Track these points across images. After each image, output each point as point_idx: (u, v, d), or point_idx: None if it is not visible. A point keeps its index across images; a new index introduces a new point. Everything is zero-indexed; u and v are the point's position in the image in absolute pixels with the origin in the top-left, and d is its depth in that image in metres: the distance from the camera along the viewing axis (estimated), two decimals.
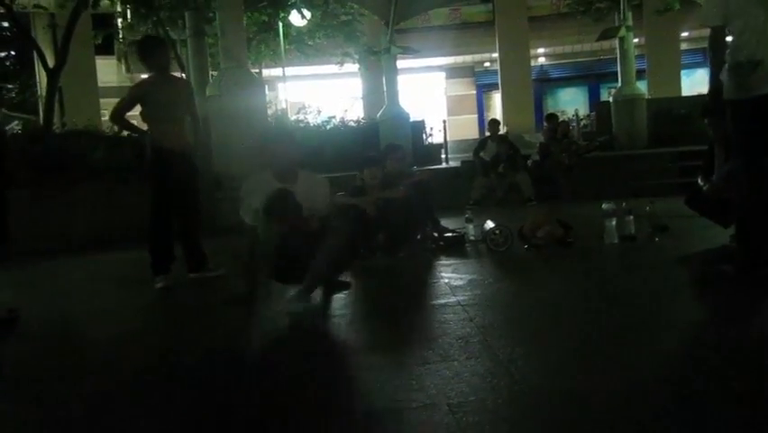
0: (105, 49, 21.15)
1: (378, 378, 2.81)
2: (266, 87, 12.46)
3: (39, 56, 11.88)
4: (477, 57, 27.72)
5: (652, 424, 2.21)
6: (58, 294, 5.50)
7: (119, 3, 15.48)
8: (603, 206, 5.80)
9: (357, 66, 19.16)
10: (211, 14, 12.97)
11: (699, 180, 5.37)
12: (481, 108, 28.76)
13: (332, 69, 20.11)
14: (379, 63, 14.88)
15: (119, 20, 18.70)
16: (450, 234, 6.29)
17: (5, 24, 25.80)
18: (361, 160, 6.29)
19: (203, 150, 5.97)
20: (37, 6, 14.95)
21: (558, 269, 5.15)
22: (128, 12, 16.44)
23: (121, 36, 18.68)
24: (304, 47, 17.66)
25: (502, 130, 11.61)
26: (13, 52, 26.15)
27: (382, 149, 7.61)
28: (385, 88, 13.55)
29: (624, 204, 5.87)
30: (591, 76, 27.83)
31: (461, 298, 4.12)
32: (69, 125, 12.85)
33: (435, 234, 6.31)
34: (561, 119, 12.14)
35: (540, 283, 4.72)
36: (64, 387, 3.02)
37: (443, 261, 5.56)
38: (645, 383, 2.56)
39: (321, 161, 11.31)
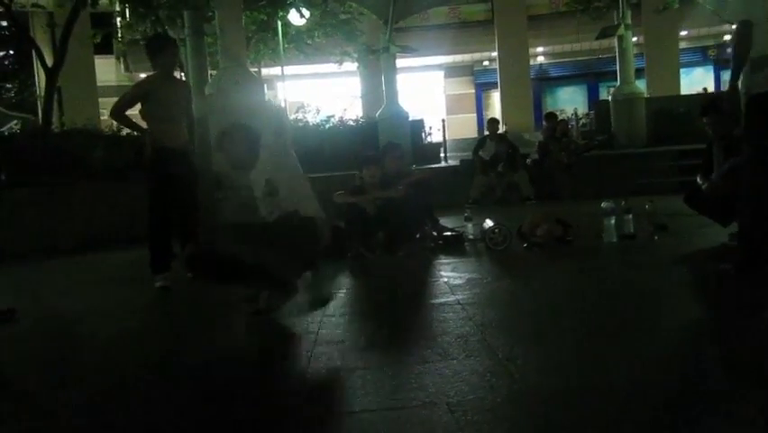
0: (104, 48, 21.13)
1: (377, 376, 2.81)
2: (265, 85, 12.46)
3: (37, 55, 11.88)
4: (476, 56, 27.75)
5: (651, 423, 2.21)
6: (57, 293, 5.49)
7: (118, 2, 15.47)
8: (602, 204, 5.81)
9: (356, 65, 19.16)
10: (210, 13, 12.96)
11: (698, 179, 5.38)
12: (480, 107, 28.80)
13: (331, 68, 20.12)
14: (377, 62, 14.88)
15: (118, 19, 18.72)
16: (449, 233, 6.30)
17: (4, 24, 25.83)
18: (360, 159, 6.30)
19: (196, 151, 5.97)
20: (35, 5, 14.95)
21: (557, 267, 5.16)
22: (127, 11, 16.45)
23: (119, 35, 18.65)
24: (303, 46, 17.65)
25: (501, 129, 11.61)
26: (11, 52, 26.15)
27: (381, 148, 7.61)
28: (384, 87, 13.54)
29: (623, 202, 5.87)
30: (590, 74, 27.88)
31: (461, 296, 4.13)
32: (68, 125, 12.84)
33: (435, 233, 6.32)
34: (560, 118, 12.15)
35: (539, 282, 4.72)
36: (60, 387, 3.02)
37: (443, 259, 5.56)
38: (644, 382, 2.56)
39: (320, 159, 11.33)
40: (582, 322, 3.50)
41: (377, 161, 6.23)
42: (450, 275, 4.85)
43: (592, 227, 5.91)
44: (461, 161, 11.91)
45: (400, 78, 14.01)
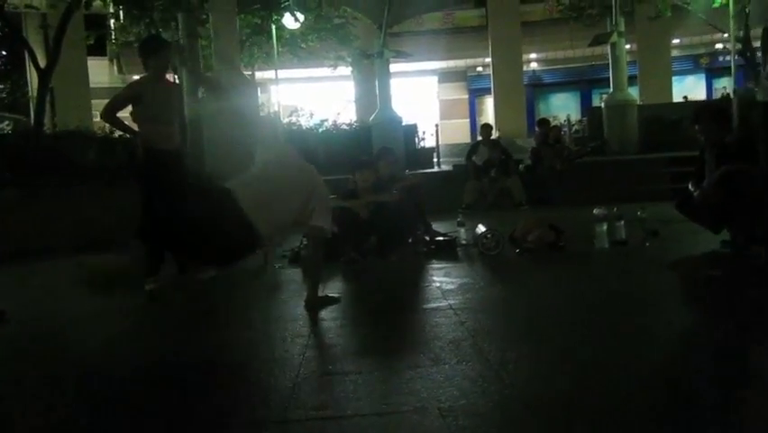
0: (98, 49, 21.09)
1: (368, 381, 2.81)
2: (258, 89, 12.46)
3: (30, 56, 11.82)
4: (469, 61, 27.81)
5: (641, 427, 2.22)
6: (47, 296, 5.46)
7: (112, 4, 15.43)
8: (594, 210, 5.82)
9: (350, 69, 19.18)
10: (204, 16, 12.95)
11: (690, 186, 5.39)
12: (473, 113, 28.85)
13: (324, 72, 20.12)
14: (371, 67, 14.90)
15: (111, 21, 18.67)
16: (441, 238, 6.29)
17: None
18: (353, 163, 6.30)
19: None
20: (29, 6, 14.91)
21: (549, 273, 5.16)
22: (121, 13, 16.40)
23: (113, 37, 18.62)
24: (297, 50, 17.67)
25: (494, 134, 11.63)
26: (3, 52, 26.04)
27: (375, 152, 7.62)
28: (377, 92, 13.56)
29: (615, 209, 5.89)
30: (583, 81, 27.99)
31: (453, 301, 4.12)
32: (61, 126, 12.80)
33: (427, 238, 6.31)
34: (552, 124, 12.19)
35: (531, 287, 4.73)
36: (48, 391, 3.00)
37: (435, 264, 5.56)
38: (635, 387, 2.57)
39: (313, 163, 11.30)
40: (574, 327, 3.50)
41: (370, 165, 6.24)
42: (442, 280, 4.85)
43: (584, 233, 5.92)
44: (454, 166, 11.93)
45: (394, 83, 14.02)
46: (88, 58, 21.38)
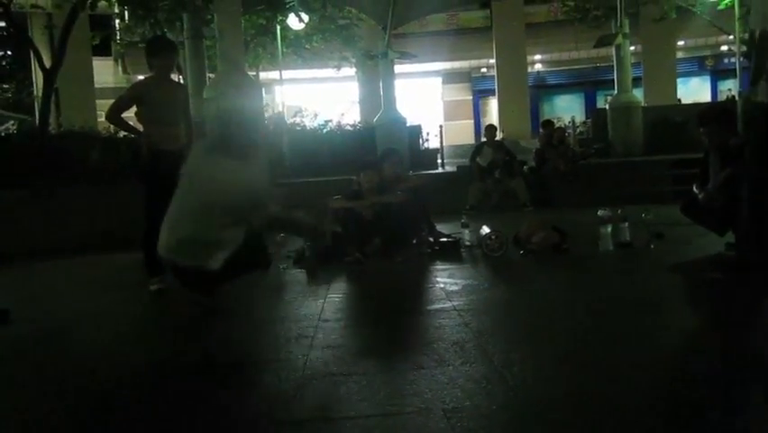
0: (103, 50, 21.13)
1: (373, 382, 2.81)
2: (263, 89, 12.48)
3: (36, 56, 11.84)
4: (474, 63, 27.83)
5: (646, 430, 2.22)
6: (51, 295, 5.48)
7: (117, 4, 15.47)
8: (599, 212, 5.81)
9: (354, 70, 19.20)
10: (209, 17, 12.99)
11: (695, 188, 5.38)
12: (478, 114, 28.85)
13: (329, 72, 20.16)
14: (376, 68, 14.91)
15: (116, 21, 18.73)
16: (446, 239, 6.29)
17: (2, 24, 25.80)
18: (357, 164, 6.30)
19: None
20: (35, 6, 14.94)
21: (553, 275, 5.15)
22: (126, 13, 16.44)
23: (118, 37, 18.67)
24: (301, 50, 17.69)
25: (498, 136, 11.62)
26: (9, 52, 26.13)
27: (380, 153, 7.62)
28: (382, 93, 13.56)
29: (619, 210, 5.88)
30: (588, 83, 27.99)
31: (457, 303, 4.12)
32: (66, 126, 12.82)
33: (431, 239, 6.30)
34: (557, 126, 12.18)
35: (535, 289, 4.72)
36: (49, 392, 3.01)
37: (439, 266, 5.55)
38: (639, 389, 2.57)
39: (317, 164, 11.34)
40: (578, 329, 3.50)
41: (375, 166, 6.24)
42: (446, 281, 4.85)
43: (589, 235, 5.91)
44: (459, 167, 11.92)
45: (399, 84, 14.03)
46: (93, 58, 21.41)
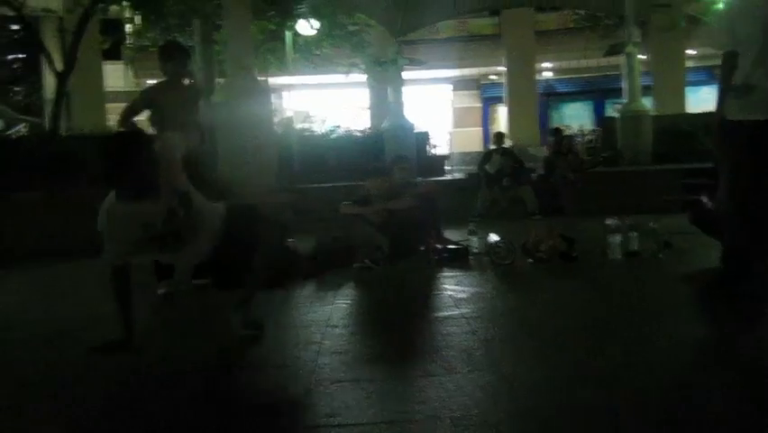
0: (113, 54, 21.21)
1: (380, 388, 2.81)
2: (272, 95, 12.51)
3: (47, 59, 11.92)
4: (483, 70, 27.79)
5: None
6: (59, 297, 5.49)
7: (129, 8, 15.57)
8: (607, 221, 5.80)
9: (365, 76, 19.23)
10: (219, 22, 13.04)
11: (704, 198, 5.36)
12: (486, 121, 28.82)
13: (338, 78, 20.17)
14: (385, 74, 14.94)
15: (128, 25, 18.83)
16: (453, 247, 6.28)
17: (14, 27, 25.97)
18: (366, 170, 6.31)
19: (206, 159, 5.98)
20: (46, 10, 15.04)
21: (562, 283, 5.15)
22: (137, 18, 16.53)
23: (129, 42, 18.76)
24: (311, 56, 17.72)
25: (507, 143, 11.62)
26: (20, 55, 26.28)
27: (389, 160, 7.63)
28: (390, 99, 13.58)
29: (628, 219, 5.87)
30: (597, 91, 27.89)
31: (465, 310, 4.12)
32: (76, 129, 12.89)
33: (439, 246, 6.30)
34: (565, 133, 12.16)
35: (543, 298, 4.71)
36: (57, 394, 3.03)
37: (447, 273, 5.55)
38: (647, 398, 2.56)
39: (325, 169, 11.36)
40: (586, 338, 3.49)
41: (384, 172, 6.25)
42: (454, 289, 4.84)
43: (597, 244, 5.90)
44: (467, 174, 11.92)
45: (409, 91, 14.05)
46: (104, 62, 21.51)
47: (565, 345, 3.40)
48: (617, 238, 5.72)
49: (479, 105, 29.09)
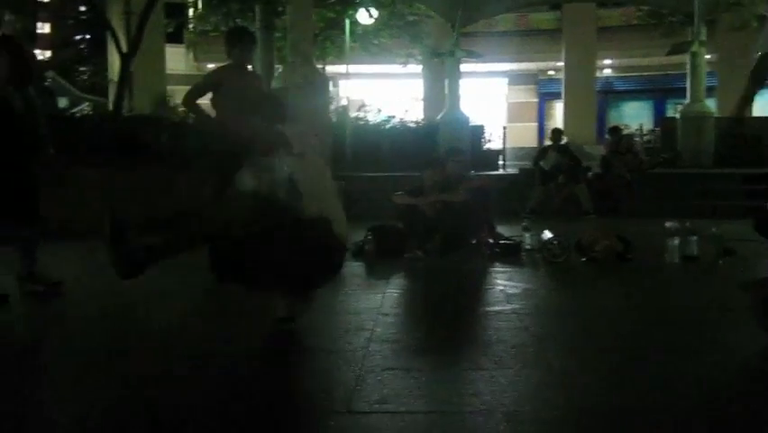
0: (175, 37, 21.65)
1: (431, 378, 2.81)
2: (330, 83, 12.59)
3: (114, 41, 12.22)
4: (541, 64, 27.44)
5: None
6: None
7: None
8: (666, 224, 5.68)
9: (420, 67, 19.19)
10: (281, 9, 13.17)
11: None
12: (542, 117, 28.46)
13: (395, 68, 20.17)
14: (441, 65, 14.88)
15: (190, 10, 19.17)
16: (506, 242, 6.23)
17: (82, 8, 26.71)
18: (420, 161, 6.31)
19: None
20: None
21: (616, 284, 5.07)
22: (200, 2, 16.80)
23: (191, 26, 19.10)
24: (369, 45, 17.76)
25: (563, 140, 11.45)
26: (87, 36, 27.02)
27: (445, 151, 7.60)
28: (447, 91, 13.52)
29: (687, 223, 5.73)
30: (658, 90, 27.25)
31: (517, 306, 4.09)
32: (138, 110, 13.19)
33: (491, 240, 6.25)
34: (624, 132, 11.91)
35: (596, 297, 4.65)
36: (100, 369, 3.11)
37: (498, 267, 5.51)
38: (698, 402, 2.51)
39: (378, 159, 11.40)
40: (638, 340, 3.43)
41: (439, 164, 6.24)
42: (506, 284, 4.81)
43: (654, 246, 5.78)
44: (521, 169, 11.80)
45: (463, 83, 13.96)
46: (166, 45, 21.97)
47: (616, 345, 3.34)
48: (676, 241, 5.59)
49: (534, 99, 28.76)
